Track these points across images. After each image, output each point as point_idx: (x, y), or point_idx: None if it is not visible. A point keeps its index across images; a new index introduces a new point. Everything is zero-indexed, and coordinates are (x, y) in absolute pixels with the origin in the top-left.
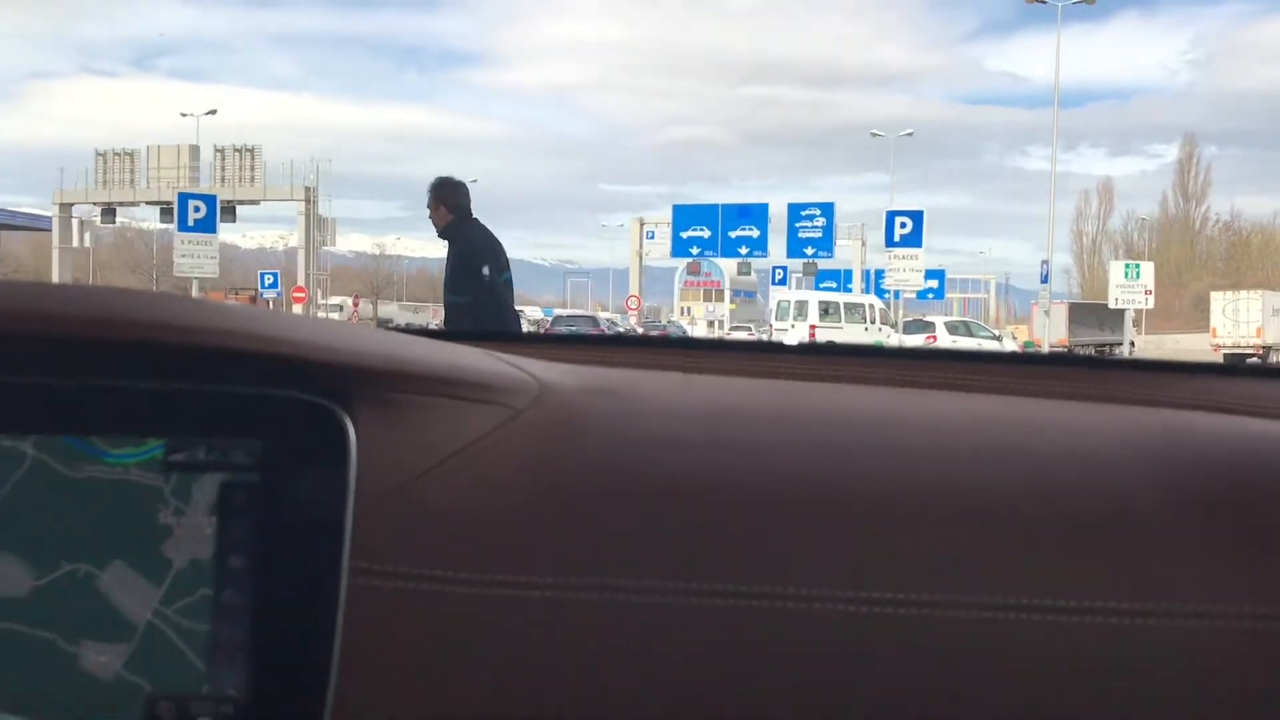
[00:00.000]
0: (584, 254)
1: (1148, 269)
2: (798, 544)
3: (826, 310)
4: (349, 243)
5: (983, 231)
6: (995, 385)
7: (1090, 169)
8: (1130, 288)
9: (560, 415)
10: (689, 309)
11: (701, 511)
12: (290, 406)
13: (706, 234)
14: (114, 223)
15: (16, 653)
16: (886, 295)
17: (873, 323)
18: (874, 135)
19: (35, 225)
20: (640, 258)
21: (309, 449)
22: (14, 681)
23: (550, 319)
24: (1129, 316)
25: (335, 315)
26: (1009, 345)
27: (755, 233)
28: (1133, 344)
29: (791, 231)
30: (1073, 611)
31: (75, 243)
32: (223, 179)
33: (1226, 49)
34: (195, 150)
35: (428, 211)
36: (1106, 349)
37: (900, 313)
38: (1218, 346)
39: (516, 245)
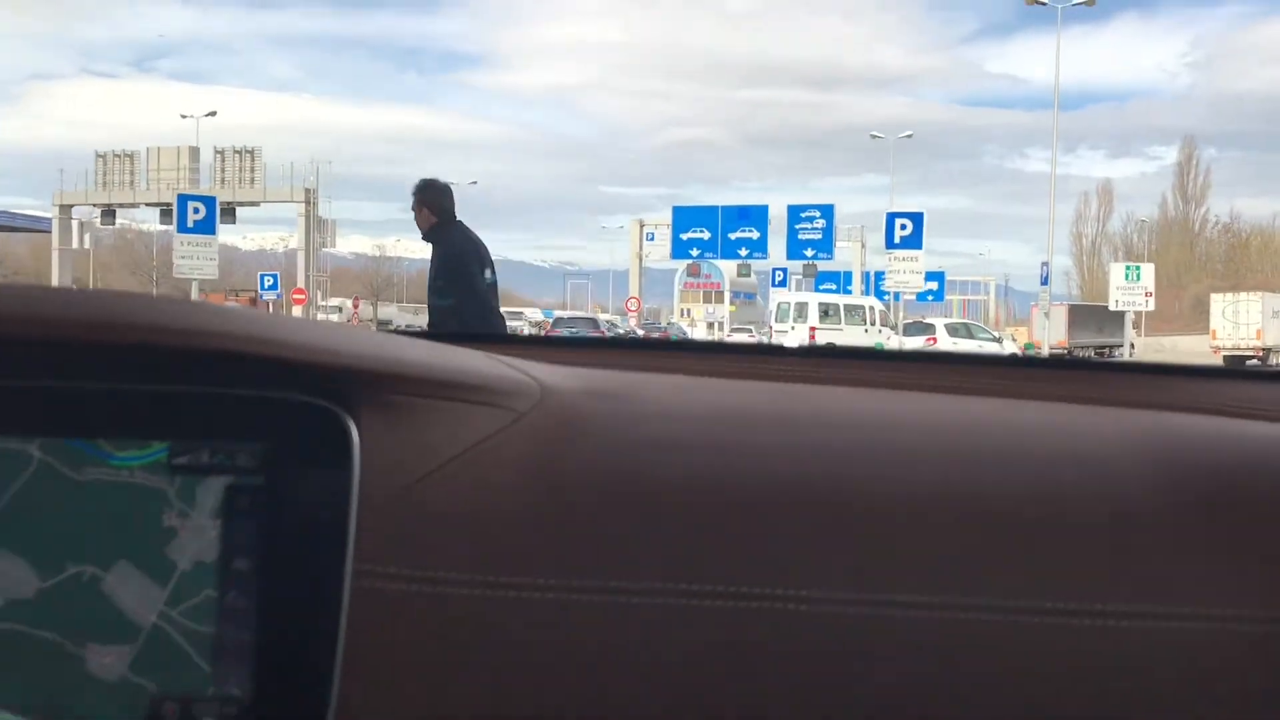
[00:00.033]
0: (584, 256)
1: (1148, 271)
2: (798, 546)
3: (826, 312)
4: (349, 244)
5: (982, 233)
6: (994, 388)
7: (1090, 171)
8: (1131, 290)
9: (562, 418)
10: (689, 311)
11: (702, 514)
12: (293, 409)
13: (706, 236)
14: (114, 224)
15: (22, 654)
16: (886, 297)
17: (873, 324)
18: (874, 137)
19: (35, 227)
20: (640, 259)
21: (312, 451)
22: (20, 683)
23: (551, 321)
24: (1129, 318)
25: (334, 317)
26: (1009, 347)
27: (755, 234)
28: (1132, 346)
29: (791, 233)
30: (1072, 613)
31: (75, 244)
32: (223, 180)
33: (1226, 51)
34: (195, 152)
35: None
36: (1106, 351)
37: (900, 314)
38: (1217, 349)
39: (516, 247)
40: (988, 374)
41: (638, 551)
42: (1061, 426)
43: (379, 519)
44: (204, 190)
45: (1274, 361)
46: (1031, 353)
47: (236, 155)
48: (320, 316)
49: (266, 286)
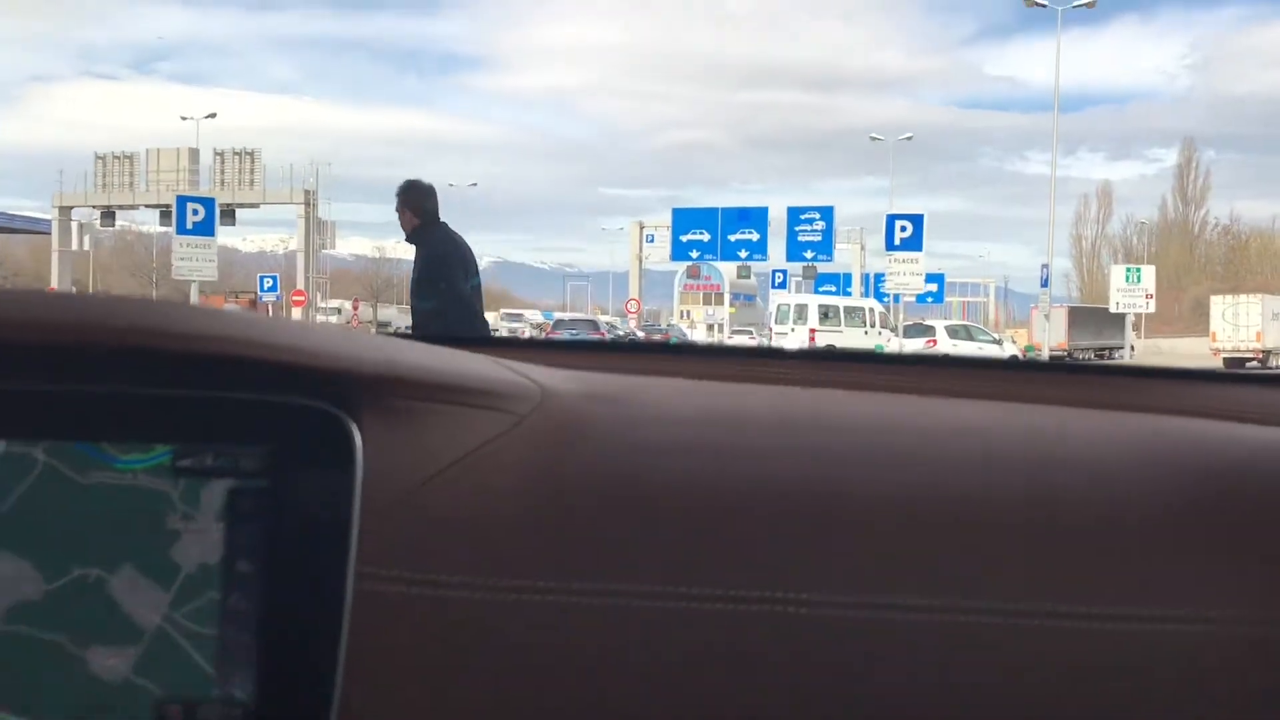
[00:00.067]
0: (584, 257)
1: (1149, 273)
2: (797, 549)
3: (826, 314)
4: (349, 246)
5: (981, 235)
6: (993, 391)
7: (1089, 173)
8: (1131, 292)
9: (563, 421)
10: (689, 312)
11: (702, 517)
12: (296, 413)
13: (706, 237)
14: (113, 226)
15: (27, 656)
16: (886, 299)
17: (872, 326)
18: (873, 139)
19: (35, 228)
20: (640, 261)
21: (315, 455)
22: (24, 684)
23: (551, 322)
24: (1129, 321)
25: (333, 319)
26: (1009, 349)
27: (755, 236)
28: (1132, 348)
29: (791, 235)
30: (1070, 616)
31: (75, 246)
32: (222, 182)
33: (1225, 53)
34: (195, 153)
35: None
36: (1106, 353)
37: (900, 316)
38: (1217, 351)
39: (516, 248)
40: (986, 377)
41: (638, 555)
42: (1059, 430)
43: (381, 522)
44: (203, 192)
45: (1274, 364)
46: (1032, 355)
47: (236, 157)
48: (319, 318)
49: (266, 288)
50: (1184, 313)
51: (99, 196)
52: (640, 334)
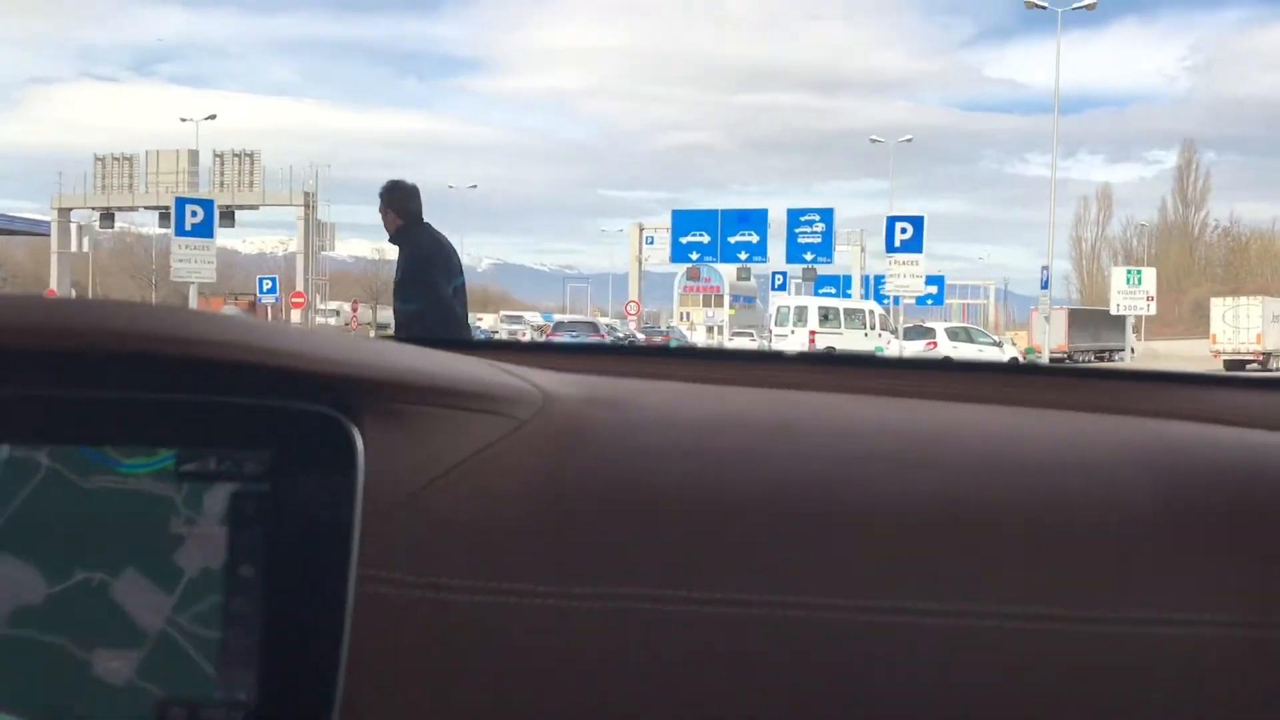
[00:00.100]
0: (583, 259)
1: (1149, 275)
2: (798, 553)
3: (826, 316)
4: (348, 248)
5: (981, 237)
6: (993, 395)
7: (1089, 175)
8: (1132, 294)
9: (564, 425)
10: (688, 314)
11: (702, 521)
12: (298, 417)
13: (706, 239)
14: (113, 228)
15: (31, 659)
16: (886, 301)
17: (872, 328)
18: (873, 141)
19: (34, 230)
20: (640, 263)
21: (317, 459)
22: (29, 687)
23: (551, 324)
24: (1129, 322)
25: (332, 320)
26: (1009, 351)
27: (755, 238)
28: (1132, 350)
29: (791, 237)
30: (1070, 620)
31: (74, 248)
32: (221, 184)
33: (1225, 56)
34: (194, 155)
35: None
36: (1106, 355)
37: (900, 318)
38: (1218, 353)
39: (516, 250)
40: (986, 381)
41: (638, 558)
42: (1060, 434)
43: (383, 526)
44: (203, 194)
45: (1274, 365)
46: (1032, 357)
47: (235, 159)
48: (318, 320)
49: (265, 290)
50: (1184, 315)
51: (98, 198)
52: (640, 336)
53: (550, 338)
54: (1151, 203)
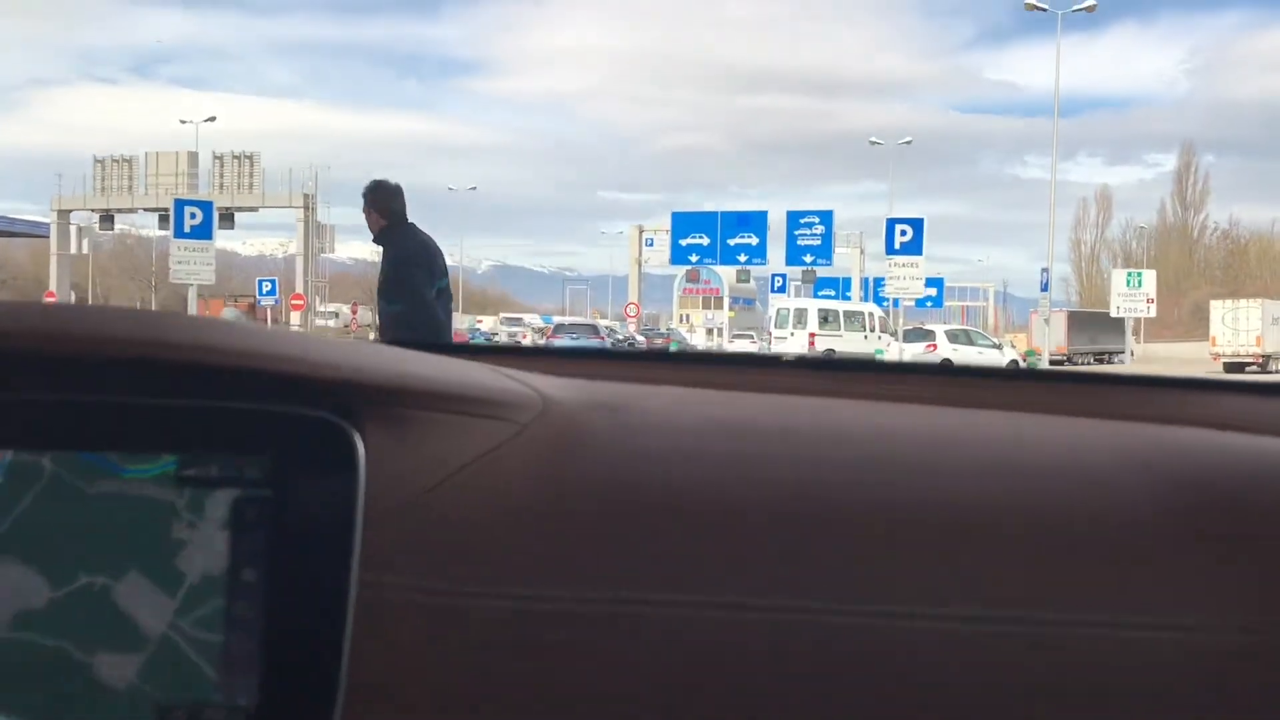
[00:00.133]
0: (583, 261)
1: (1150, 277)
2: (798, 557)
3: (826, 318)
4: (348, 250)
5: (980, 239)
6: (990, 400)
7: (1088, 177)
8: (1132, 296)
9: (564, 430)
10: (688, 316)
11: (703, 525)
12: (299, 423)
13: (705, 241)
14: (112, 229)
15: (34, 663)
16: (886, 303)
17: (872, 331)
18: (872, 143)
19: (34, 232)
20: (639, 265)
21: (318, 464)
22: (31, 691)
23: (551, 326)
24: (1129, 325)
25: (331, 323)
26: (1009, 354)
27: (754, 240)
28: (1132, 353)
29: (790, 239)
30: (1069, 625)
31: (73, 249)
32: (221, 186)
33: (1224, 58)
34: (194, 157)
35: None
36: (1106, 357)
37: (900, 321)
38: (1217, 355)
39: (515, 252)
40: (984, 386)
41: (639, 562)
42: (1059, 439)
43: (384, 531)
44: (202, 195)
45: (1274, 368)
46: (1032, 359)
47: (235, 160)
48: (318, 322)
49: (265, 292)
50: (1183, 317)
51: (98, 200)
52: (640, 338)
53: (550, 339)
54: (1151, 205)
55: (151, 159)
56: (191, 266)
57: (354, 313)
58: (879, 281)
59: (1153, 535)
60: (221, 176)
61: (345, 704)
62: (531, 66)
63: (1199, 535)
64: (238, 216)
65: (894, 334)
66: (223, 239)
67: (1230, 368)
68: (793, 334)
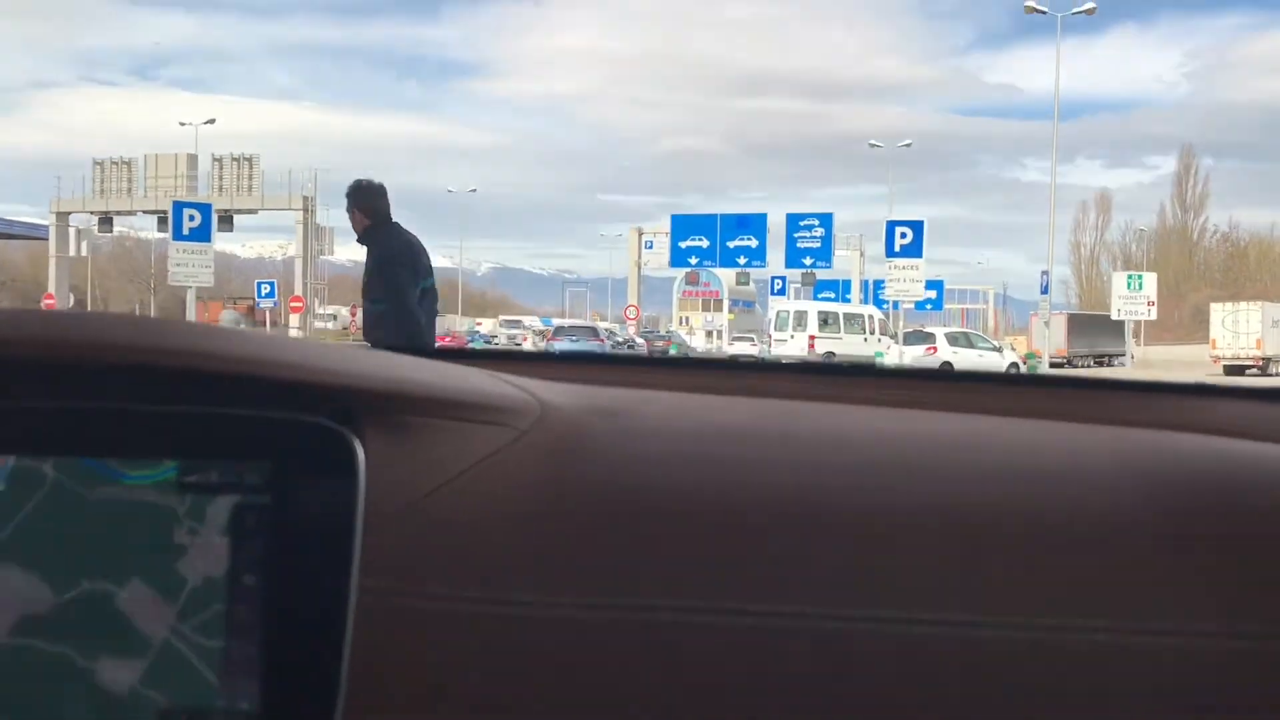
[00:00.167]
0: (582, 264)
1: (1150, 280)
2: (797, 562)
3: (825, 321)
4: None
5: (980, 242)
6: (989, 405)
7: (1087, 180)
8: (1133, 299)
9: (562, 435)
10: (687, 319)
11: (702, 530)
12: (299, 429)
13: (705, 244)
14: (111, 232)
15: (37, 668)
16: (885, 305)
17: (872, 333)
18: (872, 146)
19: (32, 234)
20: (638, 267)
21: (318, 470)
22: (34, 696)
23: (551, 328)
24: (1129, 328)
25: (330, 325)
26: (1009, 356)
27: (753, 243)
28: (1132, 356)
29: (790, 241)
30: (1065, 630)
31: (72, 252)
32: (220, 188)
33: (1223, 62)
34: (193, 159)
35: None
36: (1106, 359)
37: (900, 323)
38: (1217, 358)
39: (515, 254)
40: (982, 391)
41: (638, 568)
42: (1051, 444)
43: (384, 536)
44: (201, 198)
45: (1274, 370)
46: (1033, 362)
47: (235, 163)
48: (317, 324)
49: (263, 294)
50: (1183, 320)
51: (97, 202)
52: (640, 340)
53: (551, 342)
54: (1150, 208)
55: (151, 161)
56: (190, 269)
57: (353, 315)
58: (879, 284)
59: (1150, 541)
60: (221, 179)
61: (345, 709)
62: (531, 68)
63: (1196, 541)
64: (237, 219)
65: (894, 336)
66: (222, 241)
67: (1230, 370)
68: (792, 336)
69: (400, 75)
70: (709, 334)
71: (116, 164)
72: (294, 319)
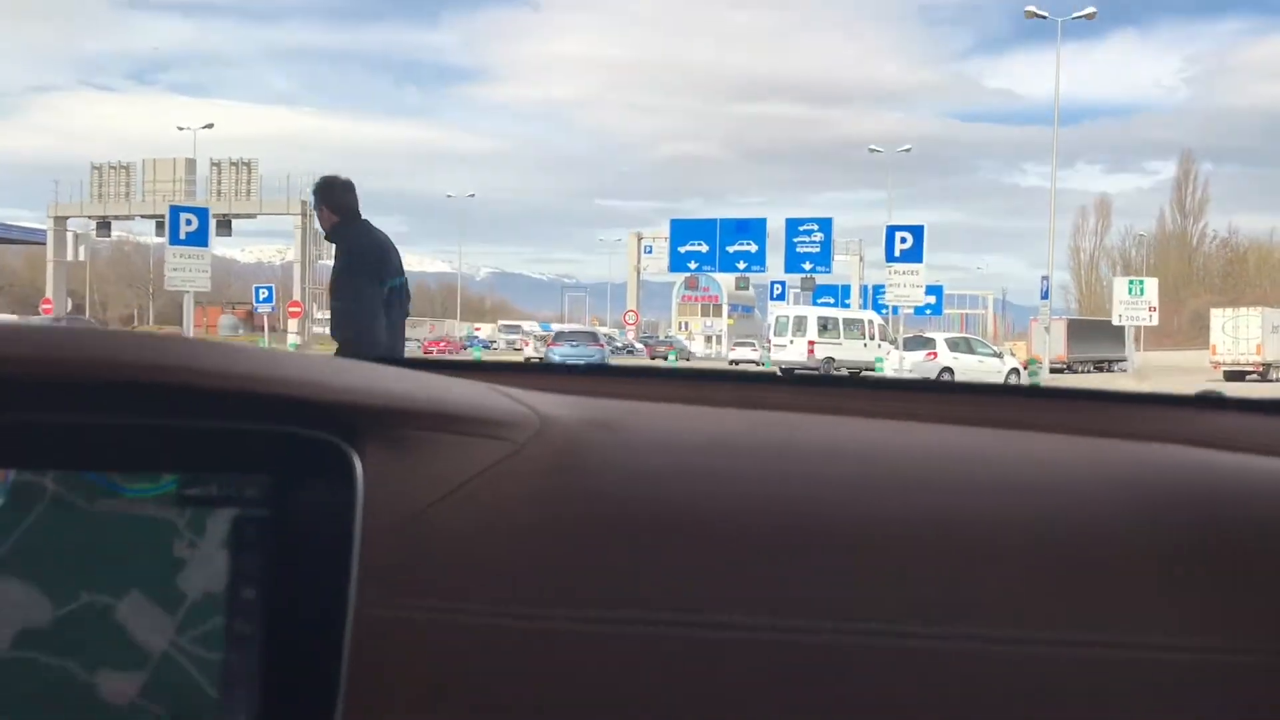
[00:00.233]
0: (581, 268)
1: (1152, 286)
2: (794, 575)
3: (825, 326)
4: None
5: (979, 247)
6: (979, 418)
7: (1087, 185)
8: (1135, 304)
9: (561, 448)
10: (687, 324)
11: (699, 543)
12: (298, 444)
13: (704, 249)
14: (109, 236)
15: (37, 681)
16: (885, 310)
17: (871, 338)
18: (872, 151)
19: (30, 239)
20: (638, 272)
21: (317, 484)
22: (34, 710)
23: (551, 334)
24: (1129, 333)
25: (327, 330)
26: (1010, 362)
27: (753, 248)
28: (1133, 361)
29: (789, 246)
30: (1054, 644)
31: (70, 256)
32: (219, 193)
33: (1223, 67)
34: (191, 164)
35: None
36: (1106, 365)
37: (900, 328)
38: (1217, 364)
39: (514, 259)
40: (976, 403)
41: (636, 580)
42: (1045, 457)
43: (382, 550)
44: (200, 202)
45: (1274, 376)
46: (1034, 367)
47: (233, 167)
48: (315, 329)
49: (262, 299)
50: (1183, 325)
51: (95, 207)
52: (639, 345)
53: (551, 347)
54: (1150, 213)
55: (149, 166)
56: (187, 274)
57: None
58: (878, 289)
59: (1140, 553)
60: (219, 183)
61: (344, 719)
62: (530, 74)
63: (1185, 553)
64: (235, 223)
65: (893, 341)
66: (221, 246)
67: (1230, 376)
68: (792, 341)
69: (399, 80)
70: (708, 339)
71: (115, 168)
72: (292, 324)
